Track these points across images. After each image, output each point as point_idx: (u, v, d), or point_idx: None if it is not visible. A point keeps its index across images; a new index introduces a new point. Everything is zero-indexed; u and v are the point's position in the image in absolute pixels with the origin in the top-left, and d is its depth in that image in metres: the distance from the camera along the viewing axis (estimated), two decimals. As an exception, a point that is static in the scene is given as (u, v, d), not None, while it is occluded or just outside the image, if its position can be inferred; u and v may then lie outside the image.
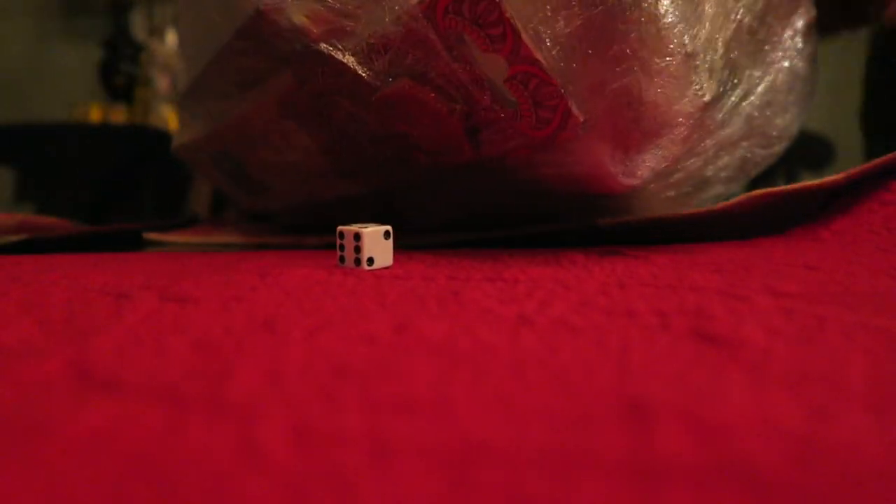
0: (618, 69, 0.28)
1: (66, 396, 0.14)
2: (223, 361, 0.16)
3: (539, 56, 0.28)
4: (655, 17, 0.28)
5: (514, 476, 0.11)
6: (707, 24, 0.30)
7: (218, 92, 0.38)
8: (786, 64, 0.36)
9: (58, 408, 0.13)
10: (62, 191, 1.41)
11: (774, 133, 0.38)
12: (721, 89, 0.32)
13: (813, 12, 0.38)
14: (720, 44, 0.31)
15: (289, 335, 0.18)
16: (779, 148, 0.40)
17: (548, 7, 0.28)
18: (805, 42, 0.38)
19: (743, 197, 0.35)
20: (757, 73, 0.34)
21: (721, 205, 0.35)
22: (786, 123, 0.38)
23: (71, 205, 1.34)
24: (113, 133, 1.57)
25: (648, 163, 0.30)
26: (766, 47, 0.35)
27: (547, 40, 0.28)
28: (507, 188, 0.34)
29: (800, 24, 0.37)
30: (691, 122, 0.30)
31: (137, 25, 1.86)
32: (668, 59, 0.29)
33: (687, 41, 0.29)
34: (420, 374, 0.15)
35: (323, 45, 0.30)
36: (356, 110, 0.33)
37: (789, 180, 1.45)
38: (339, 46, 0.30)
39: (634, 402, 0.13)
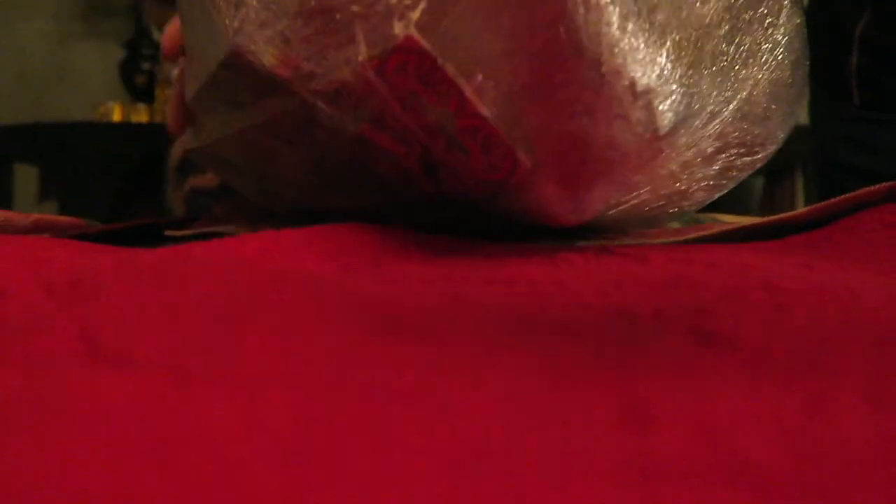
0: (562, 114, 0.29)
1: (75, 372, 0.14)
2: (230, 328, 0.16)
3: (484, 110, 0.29)
4: (596, 63, 0.28)
5: (514, 478, 0.11)
6: (662, 60, 0.31)
7: (215, 108, 0.39)
8: (762, 76, 0.37)
9: (67, 384, 0.13)
10: (85, 189, 1.42)
11: (758, 141, 0.39)
12: (681, 117, 0.32)
13: (798, 19, 0.38)
14: (677, 75, 0.31)
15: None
16: (765, 153, 0.40)
17: (490, 59, 0.29)
18: (788, 50, 0.38)
19: (717, 231, 0.37)
20: (726, 94, 0.35)
21: (697, 234, 0.37)
22: (768, 131, 0.39)
23: (93, 203, 1.35)
24: (134, 132, 1.58)
25: (599, 198, 0.31)
26: (737, 66, 0.35)
27: (492, 90, 0.29)
28: (478, 215, 0.36)
29: (780, 34, 0.37)
30: (646, 154, 0.31)
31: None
32: (613, 101, 0.29)
33: (637, 80, 0.30)
34: (420, 367, 0.15)
35: (294, 86, 0.32)
36: (330, 140, 0.34)
37: (808, 179, 1.43)
38: (309, 87, 0.32)
39: (633, 404, 0.13)
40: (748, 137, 0.38)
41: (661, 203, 0.37)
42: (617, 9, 0.29)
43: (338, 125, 0.33)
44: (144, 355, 0.15)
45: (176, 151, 0.72)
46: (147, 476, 0.11)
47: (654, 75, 0.30)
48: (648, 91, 0.30)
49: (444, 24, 0.29)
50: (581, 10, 0.28)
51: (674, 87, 0.31)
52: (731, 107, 0.35)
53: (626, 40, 0.29)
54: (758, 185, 1.57)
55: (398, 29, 0.28)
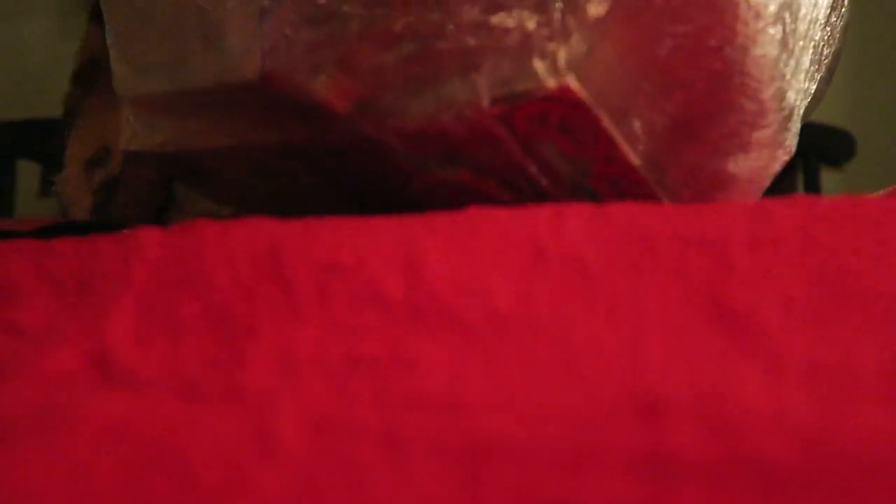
0: (716, 153, 0.26)
1: (84, 390, 0.14)
2: (236, 341, 0.16)
3: (634, 160, 0.25)
4: (758, 91, 0.25)
5: (526, 474, 0.11)
6: (802, 77, 0.28)
7: (189, 117, 0.32)
8: (819, 78, 0.34)
9: (77, 401, 0.14)
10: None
11: (788, 141, 0.37)
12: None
13: (846, 18, 0.36)
14: (803, 90, 0.29)
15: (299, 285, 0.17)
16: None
17: (645, 99, 0.25)
18: (836, 51, 0.35)
19: None
20: (807, 101, 0.32)
21: None
22: (797, 131, 0.37)
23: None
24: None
25: None
26: (818, 73, 0.32)
27: (639, 131, 0.25)
28: None
29: (838, 35, 0.34)
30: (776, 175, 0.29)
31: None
32: (765, 130, 0.26)
33: (784, 104, 0.27)
34: (433, 362, 0.15)
35: (354, 121, 0.26)
36: (383, 169, 0.29)
37: (808, 175, 1.42)
38: (377, 124, 0.26)
39: (647, 398, 0.13)
40: (785, 139, 0.36)
41: None
42: (776, 27, 0.25)
43: (413, 167, 0.27)
44: (153, 372, 0.15)
45: (86, 141, 0.62)
46: (159, 491, 0.11)
47: (797, 92, 0.28)
48: (793, 110, 0.27)
49: (591, 62, 0.23)
50: (749, 31, 0.24)
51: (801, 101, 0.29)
52: (801, 112, 0.33)
53: (783, 61, 0.26)
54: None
55: (542, 70, 0.23)
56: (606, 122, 0.24)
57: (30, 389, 0.14)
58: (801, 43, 0.27)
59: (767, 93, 0.25)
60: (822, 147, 1.37)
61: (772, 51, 0.25)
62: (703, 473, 0.11)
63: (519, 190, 0.27)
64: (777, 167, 0.28)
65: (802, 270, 0.18)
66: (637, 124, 0.25)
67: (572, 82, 0.22)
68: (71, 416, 0.13)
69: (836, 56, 0.36)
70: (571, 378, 0.14)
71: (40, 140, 1.46)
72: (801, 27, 0.27)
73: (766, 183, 0.28)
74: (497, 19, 0.23)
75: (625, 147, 0.24)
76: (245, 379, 0.14)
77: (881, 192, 0.36)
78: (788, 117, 0.27)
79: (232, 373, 0.15)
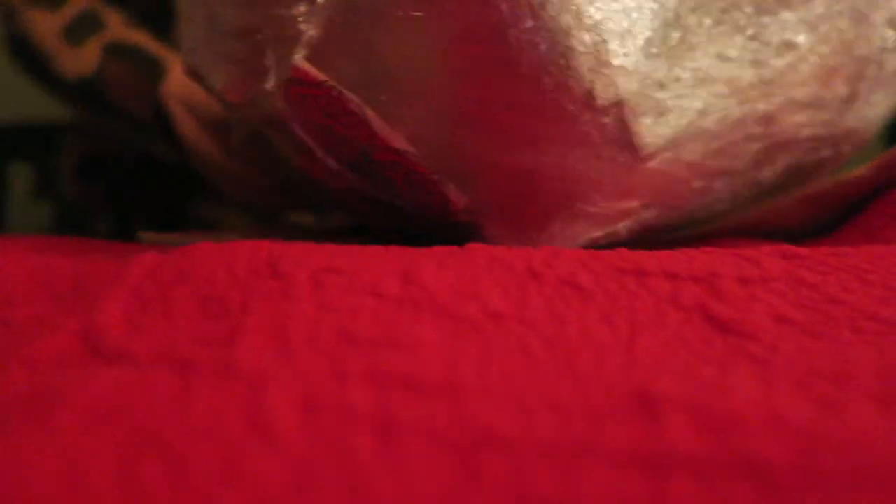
0: (509, 140, 0.24)
1: (76, 369, 0.14)
2: (230, 320, 0.16)
3: (400, 144, 0.24)
4: (561, 66, 0.23)
5: (521, 466, 0.11)
6: (651, 50, 0.24)
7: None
8: (806, 50, 0.29)
9: (69, 381, 0.14)
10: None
11: (835, 132, 0.32)
12: (688, 120, 0.26)
13: None
14: (684, 70, 0.25)
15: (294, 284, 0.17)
16: (852, 142, 0.34)
17: (416, 76, 0.24)
18: (836, 18, 0.30)
19: (788, 201, 0.32)
20: (764, 73, 0.28)
21: (764, 209, 0.32)
22: (843, 116, 0.32)
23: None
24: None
25: (563, 236, 0.26)
26: (774, 43, 0.28)
27: (420, 118, 0.24)
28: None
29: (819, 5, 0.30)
30: (625, 179, 0.25)
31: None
32: (568, 122, 0.23)
33: (597, 90, 0.23)
34: (427, 347, 0.15)
35: (242, 112, 0.28)
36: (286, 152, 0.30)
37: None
38: (254, 113, 0.28)
39: (642, 393, 0.13)
40: (818, 128, 0.31)
41: (742, 201, 0.31)
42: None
43: (286, 154, 0.29)
44: (145, 352, 0.15)
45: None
46: (151, 468, 0.11)
47: (633, 79, 0.23)
48: (620, 103, 0.23)
49: (356, 45, 0.24)
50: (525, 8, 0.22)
51: (677, 84, 0.25)
52: (779, 95, 0.29)
53: (590, 35, 0.23)
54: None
55: (296, 58, 0.24)
56: (355, 104, 0.24)
57: (21, 370, 0.14)
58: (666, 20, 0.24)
59: (560, 72, 0.23)
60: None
61: (569, 18, 0.22)
62: (695, 468, 0.11)
63: (341, 178, 0.27)
64: (619, 171, 0.24)
65: (792, 298, 0.19)
66: (410, 108, 0.24)
67: (300, 63, 0.23)
68: (63, 395, 0.13)
69: None
70: (567, 371, 0.14)
71: (33, 143, 1.46)
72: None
73: (606, 188, 0.24)
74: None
75: (383, 130, 0.24)
76: (238, 356, 0.14)
77: (867, 166, 0.34)
78: (609, 111, 0.23)
79: (224, 349, 0.14)
